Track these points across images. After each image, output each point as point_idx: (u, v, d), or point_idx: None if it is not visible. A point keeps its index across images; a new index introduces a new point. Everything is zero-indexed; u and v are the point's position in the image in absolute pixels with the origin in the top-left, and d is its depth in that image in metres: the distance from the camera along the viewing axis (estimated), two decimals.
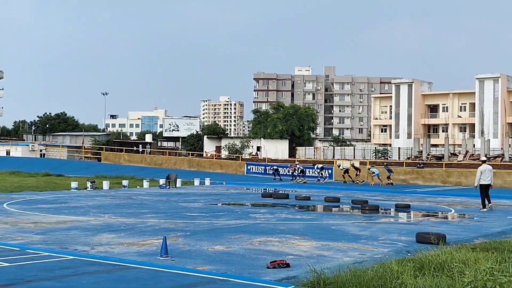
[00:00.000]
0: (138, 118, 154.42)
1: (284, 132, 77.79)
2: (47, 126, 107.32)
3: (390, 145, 78.03)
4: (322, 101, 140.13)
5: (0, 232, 13.66)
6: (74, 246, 11.86)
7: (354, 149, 70.56)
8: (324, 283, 8.14)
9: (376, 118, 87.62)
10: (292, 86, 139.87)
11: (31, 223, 15.60)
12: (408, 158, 60.51)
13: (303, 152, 74.01)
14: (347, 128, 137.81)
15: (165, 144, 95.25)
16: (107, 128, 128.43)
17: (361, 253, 11.34)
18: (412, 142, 69.33)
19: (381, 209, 21.40)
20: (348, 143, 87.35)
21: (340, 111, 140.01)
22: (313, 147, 77.58)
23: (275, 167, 45.71)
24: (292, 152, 75.41)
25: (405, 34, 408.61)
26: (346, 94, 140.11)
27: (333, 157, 66.09)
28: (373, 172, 39.12)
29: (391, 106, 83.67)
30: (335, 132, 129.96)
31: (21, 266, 9.30)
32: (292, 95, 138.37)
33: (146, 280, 8.35)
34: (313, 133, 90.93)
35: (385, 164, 44.12)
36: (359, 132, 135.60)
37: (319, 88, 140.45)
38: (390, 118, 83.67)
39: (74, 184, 30.43)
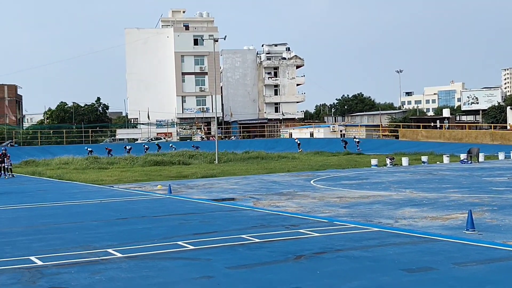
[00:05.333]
0: (434, 93, 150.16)
1: None
2: (345, 107, 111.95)
3: None
4: None
5: (310, 206, 14.83)
6: (378, 219, 12.21)
7: None
8: None
9: None
10: None
11: (336, 197, 16.56)
12: None
13: None
14: None
15: (463, 118, 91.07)
16: (403, 106, 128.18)
17: None
18: None
19: None
20: None
21: None
22: None
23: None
24: None
25: None
26: None
27: None
28: None
29: None
30: None
31: (329, 236, 9.94)
32: None
33: (452, 253, 8.15)
34: None
35: None
36: None
37: None
38: None
39: (374, 161, 31.28)
